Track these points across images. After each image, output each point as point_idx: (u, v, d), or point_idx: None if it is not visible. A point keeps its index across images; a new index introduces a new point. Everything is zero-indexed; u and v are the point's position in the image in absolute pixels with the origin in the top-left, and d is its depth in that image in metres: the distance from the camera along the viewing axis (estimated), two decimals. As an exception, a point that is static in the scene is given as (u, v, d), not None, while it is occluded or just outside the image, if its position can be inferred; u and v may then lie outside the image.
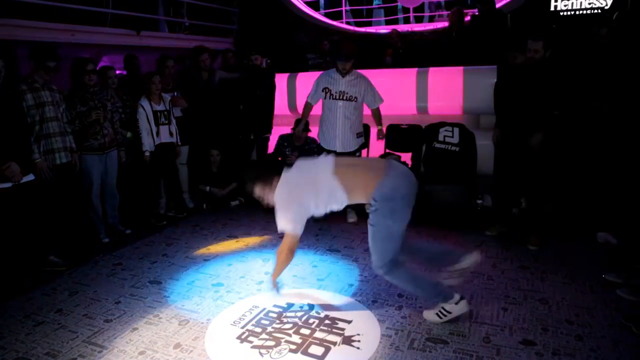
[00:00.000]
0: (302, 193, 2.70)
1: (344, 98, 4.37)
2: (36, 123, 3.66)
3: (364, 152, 5.22)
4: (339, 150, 4.42)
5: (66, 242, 3.99)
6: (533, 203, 4.01)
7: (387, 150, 5.28)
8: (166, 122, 4.77)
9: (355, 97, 4.37)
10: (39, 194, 3.64)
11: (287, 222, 2.73)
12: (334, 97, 4.39)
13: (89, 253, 4.07)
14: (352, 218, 4.67)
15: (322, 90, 4.45)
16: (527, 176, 3.90)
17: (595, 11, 5.80)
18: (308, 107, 4.68)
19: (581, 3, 5.86)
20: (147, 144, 4.65)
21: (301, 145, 5.09)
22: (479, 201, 4.92)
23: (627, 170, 3.70)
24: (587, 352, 2.48)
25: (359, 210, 4.64)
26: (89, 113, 4.10)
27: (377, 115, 4.56)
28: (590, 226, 4.01)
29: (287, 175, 2.80)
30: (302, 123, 4.80)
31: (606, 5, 5.73)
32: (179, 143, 4.92)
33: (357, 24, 7.95)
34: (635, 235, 3.21)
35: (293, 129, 5.32)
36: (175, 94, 5.04)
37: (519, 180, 3.97)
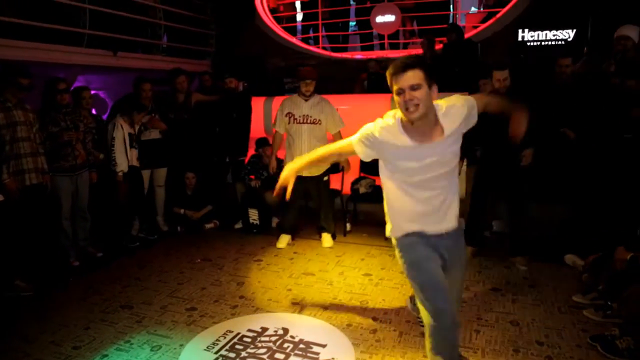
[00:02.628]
0: None
1: (308, 122, 4.34)
2: (6, 143, 3.60)
3: (339, 175, 5.27)
4: (305, 174, 4.17)
5: (34, 266, 3.88)
6: (516, 223, 4.02)
7: (362, 174, 5.35)
8: (135, 146, 4.74)
9: (319, 120, 4.36)
10: (7, 215, 3.55)
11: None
12: (298, 121, 4.35)
13: (59, 277, 3.96)
14: (327, 243, 4.65)
15: (286, 116, 4.41)
16: (504, 198, 3.97)
17: (560, 42, 6.11)
18: (278, 136, 4.58)
19: (546, 34, 6.17)
20: (121, 164, 4.59)
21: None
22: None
23: (592, 195, 3.86)
24: (556, 373, 2.55)
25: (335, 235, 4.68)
26: (61, 134, 4.05)
27: (339, 137, 4.40)
28: (558, 249, 4.12)
29: None
30: (273, 151, 4.70)
31: (569, 37, 6.04)
32: (125, 171, 4.71)
33: (333, 50, 8.12)
34: (600, 257, 3.32)
35: (256, 149, 5.33)
36: (153, 115, 5.03)
37: (492, 204, 4.06)
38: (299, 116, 4.37)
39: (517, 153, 3.80)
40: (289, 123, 4.42)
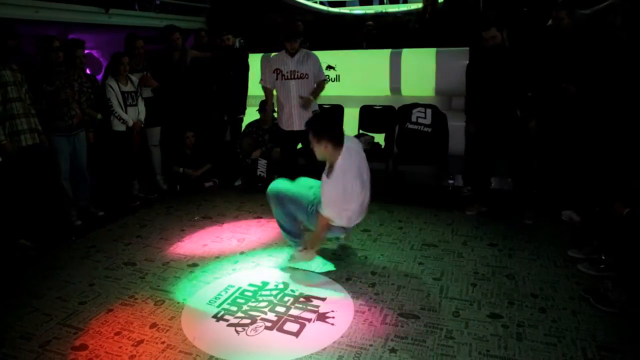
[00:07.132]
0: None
1: (296, 77, 4.36)
2: (-1, 104, 3.56)
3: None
4: (297, 129, 4.42)
5: (37, 226, 3.93)
6: (523, 180, 4.10)
7: (361, 131, 5.33)
8: (134, 103, 4.69)
9: (307, 74, 4.37)
10: (7, 176, 3.55)
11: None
12: (285, 77, 4.38)
13: (62, 236, 4.01)
14: None
15: (274, 72, 4.43)
16: (506, 156, 4.00)
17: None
18: (268, 90, 4.66)
19: (551, -14, 5.93)
20: (126, 118, 4.60)
21: (270, 127, 5.10)
22: (451, 181, 5.04)
23: (589, 151, 3.84)
24: (549, 323, 2.62)
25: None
26: (58, 93, 3.99)
27: (318, 88, 4.51)
28: (555, 204, 4.15)
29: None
30: (268, 104, 4.78)
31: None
32: (143, 124, 4.82)
33: (331, 4, 7.90)
34: (595, 212, 3.35)
35: (259, 110, 5.30)
36: (145, 73, 4.94)
37: (491, 161, 4.08)
38: (287, 72, 4.38)
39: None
40: (277, 79, 4.44)
